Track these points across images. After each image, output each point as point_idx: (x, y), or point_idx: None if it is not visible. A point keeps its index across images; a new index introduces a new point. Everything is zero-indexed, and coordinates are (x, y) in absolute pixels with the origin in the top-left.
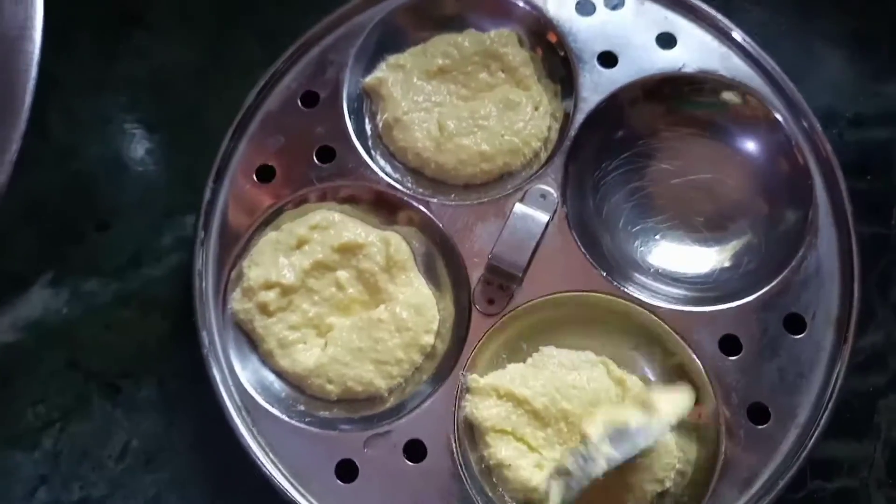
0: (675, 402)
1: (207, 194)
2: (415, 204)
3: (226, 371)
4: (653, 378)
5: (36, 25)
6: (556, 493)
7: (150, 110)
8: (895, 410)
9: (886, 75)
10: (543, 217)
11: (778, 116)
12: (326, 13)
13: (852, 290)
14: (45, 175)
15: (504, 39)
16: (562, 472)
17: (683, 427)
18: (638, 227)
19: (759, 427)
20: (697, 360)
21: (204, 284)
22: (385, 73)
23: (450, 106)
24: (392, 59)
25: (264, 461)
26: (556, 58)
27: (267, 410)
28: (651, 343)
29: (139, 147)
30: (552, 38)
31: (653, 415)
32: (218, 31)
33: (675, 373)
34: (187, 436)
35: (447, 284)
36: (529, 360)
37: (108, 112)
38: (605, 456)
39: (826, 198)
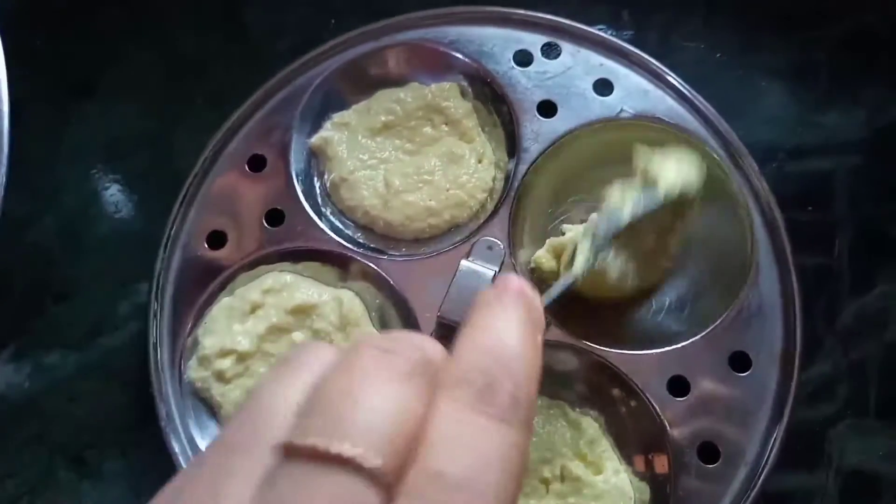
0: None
1: (159, 264)
2: (365, 261)
3: (185, 442)
4: (605, 417)
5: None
6: (582, 254)
7: (103, 180)
8: (845, 439)
9: (825, 106)
10: (489, 273)
11: (714, 156)
12: (270, 75)
13: (795, 325)
14: (1, 249)
15: (445, 93)
16: (587, 234)
17: (637, 469)
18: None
19: (710, 466)
20: (647, 402)
21: (160, 355)
22: (330, 133)
23: (395, 162)
24: (336, 117)
25: None
26: (498, 107)
27: None
28: (603, 384)
29: (94, 216)
30: (493, 88)
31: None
32: (168, 97)
33: (630, 412)
34: None
35: None
36: None
37: (61, 183)
38: (629, 209)
39: (765, 235)
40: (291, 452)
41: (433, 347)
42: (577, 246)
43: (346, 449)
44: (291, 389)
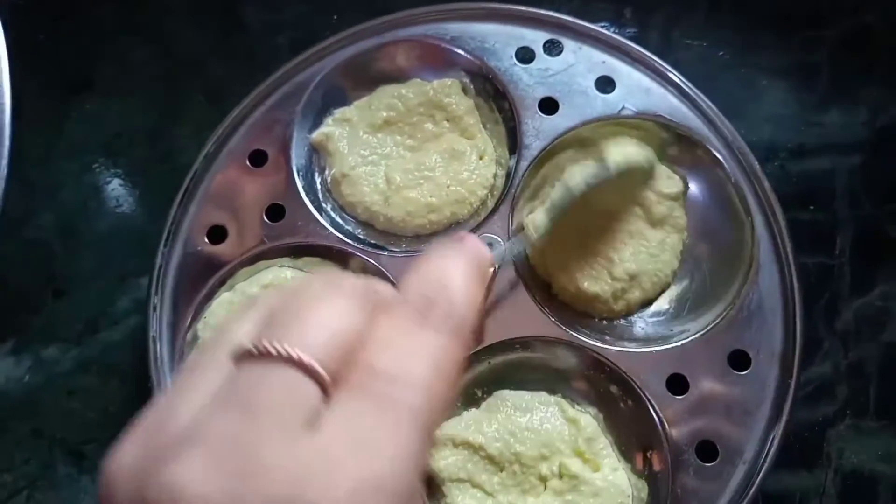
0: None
1: (159, 259)
2: (365, 257)
3: None
4: (603, 415)
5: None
6: (540, 219)
7: (103, 175)
8: (844, 439)
9: (827, 105)
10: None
11: (716, 155)
12: (270, 71)
13: (795, 324)
14: (1, 243)
15: (447, 89)
16: (548, 202)
17: (635, 467)
18: None
19: (708, 464)
20: (646, 400)
21: (159, 349)
22: (331, 128)
23: (396, 158)
24: (338, 113)
25: None
26: (499, 104)
27: None
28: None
29: (94, 211)
30: (494, 85)
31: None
32: (167, 93)
33: (628, 410)
34: None
35: None
36: (484, 405)
37: (61, 179)
38: (583, 179)
39: (766, 234)
40: (245, 356)
41: (385, 286)
42: (535, 212)
43: (291, 349)
44: (251, 317)
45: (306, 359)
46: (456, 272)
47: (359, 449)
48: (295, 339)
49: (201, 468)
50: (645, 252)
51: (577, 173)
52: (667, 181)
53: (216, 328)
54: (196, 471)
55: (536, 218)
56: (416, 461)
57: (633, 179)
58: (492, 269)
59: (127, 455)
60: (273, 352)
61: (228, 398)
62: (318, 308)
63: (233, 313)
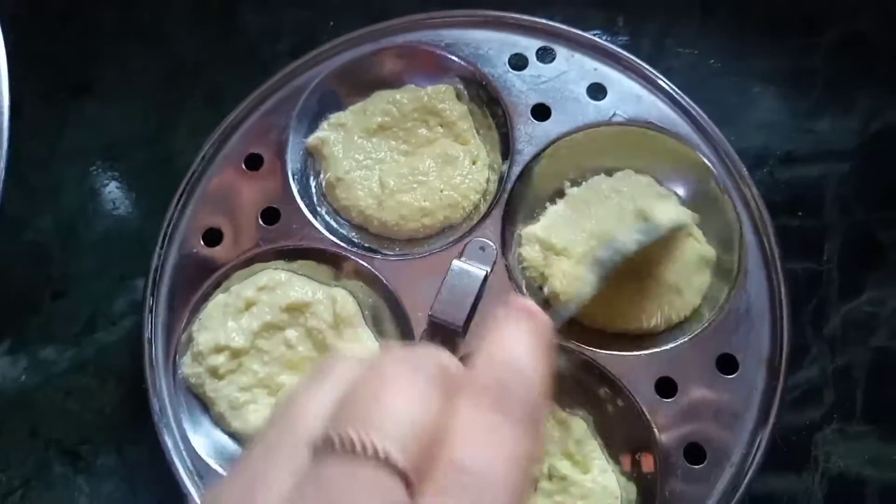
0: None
1: (155, 260)
2: (359, 260)
3: (178, 437)
4: (593, 417)
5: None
6: (588, 279)
7: (101, 178)
8: (832, 443)
9: (818, 112)
10: (480, 273)
11: (705, 161)
12: (268, 76)
13: (782, 329)
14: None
15: (441, 95)
16: (595, 261)
17: (624, 469)
18: None
19: (696, 467)
20: (635, 402)
21: (154, 351)
22: (326, 133)
23: (390, 163)
24: (333, 118)
25: None
26: (493, 109)
27: (220, 475)
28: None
29: (92, 214)
30: (488, 91)
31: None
32: (166, 97)
33: (618, 413)
34: (148, 502)
35: (395, 336)
36: None
37: (60, 181)
38: (634, 239)
39: (754, 240)
40: (328, 444)
41: (449, 358)
42: (584, 272)
43: (378, 444)
44: (323, 393)
45: (393, 455)
46: (523, 349)
47: None
48: (378, 431)
49: None
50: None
51: (626, 233)
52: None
53: (280, 400)
54: None
55: (585, 278)
56: None
57: (675, 238)
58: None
59: None
60: (359, 446)
61: (313, 496)
62: (396, 394)
63: (303, 381)
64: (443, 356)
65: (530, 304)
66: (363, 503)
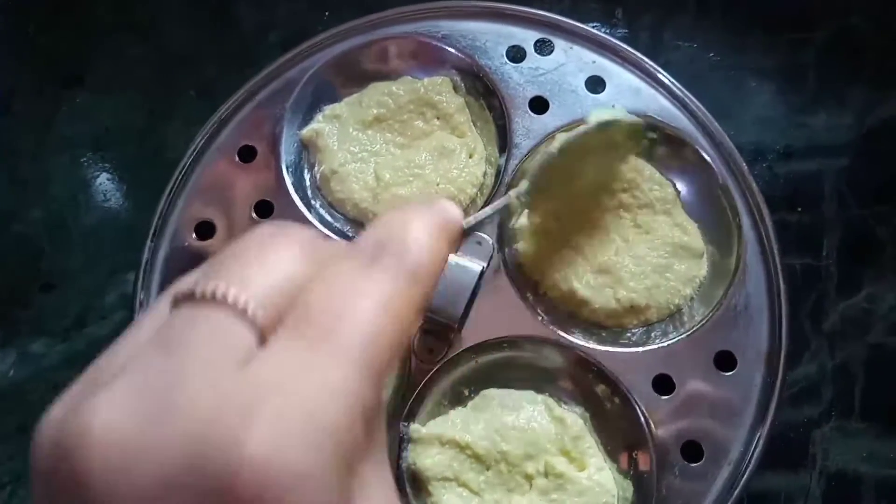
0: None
1: (146, 254)
2: None
3: None
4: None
5: None
6: (522, 183)
7: (92, 170)
8: (830, 440)
9: (814, 107)
10: (476, 268)
11: (704, 156)
12: (261, 68)
13: (781, 326)
14: None
15: (438, 87)
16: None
17: (621, 466)
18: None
19: (693, 465)
20: (632, 400)
21: None
22: (321, 125)
23: (386, 155)
24: (328, 109)
25: None
26: (490, 102)
27: None
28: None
29: (82, 206)
30: (485, 83)
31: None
32: (159, 88)
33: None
34: None
35: None
36: (471, 404)
37: (50, 173)
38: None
39: (753, 235)
40: (181, 298)
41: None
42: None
43: (227, 291)
44: (198, 269)
45: (242, 301)
46: (417, 223)
47: (286, 383)
48: (233, 282)
49: (118, 407)
50: (653, 278)
51: (557, 137)
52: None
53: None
54: (112, 409)
55: (520, 183)
56: (358, 400)
57: (617, 145)
58: (460, 229)
59: (58, 405)
60: (209, 294)
61: (160, 339)
62: (262, 253)
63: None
64: (332, 238)
65: (444, 199)
66: (205, 341)
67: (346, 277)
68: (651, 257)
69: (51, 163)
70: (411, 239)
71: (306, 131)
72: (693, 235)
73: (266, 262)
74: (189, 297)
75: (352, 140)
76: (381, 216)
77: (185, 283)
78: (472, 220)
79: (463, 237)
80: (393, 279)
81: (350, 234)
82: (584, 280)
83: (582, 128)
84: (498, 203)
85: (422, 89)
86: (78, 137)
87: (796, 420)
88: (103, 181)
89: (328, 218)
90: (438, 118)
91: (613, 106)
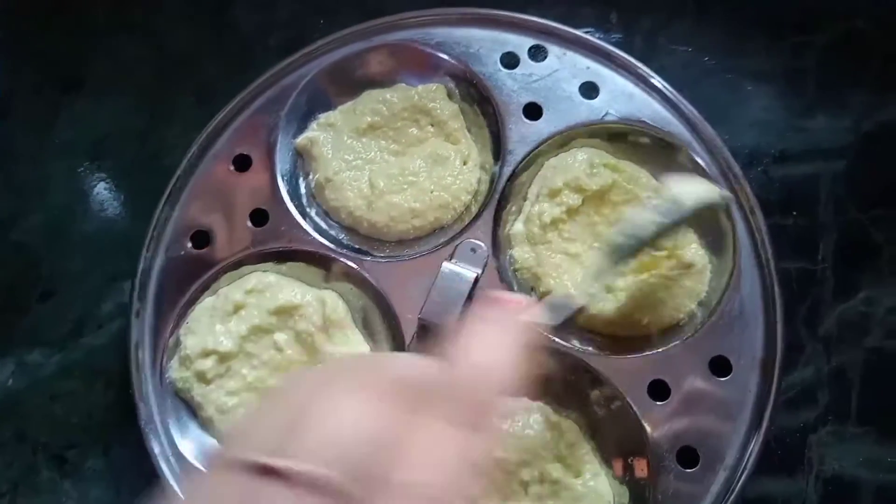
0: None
1: (142, 263)
2: (348, 262)
3: (165, 443)
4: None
5: None
6: (604, 266)
7: (90, 177)
8: (826, 445)
9: (812, 111)
10: (471, 275)
11: (698, 161)
12: (260, 73)
13: (776, 330)
14: None
15: (432, 94)
16: (612, 247)
17: (616, 472)
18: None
19: (689, 470)
20: (627, 406)
21: (141, 355)
22: (316, 133)
23: (380, 163)
24: (322, 117)
25: None
26: (484, 108)
27: None
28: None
29: (80, 214)
30: (479, 90)
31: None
32: (157, 93)
33: (610, 416)
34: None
35: (385, 338)
36: None
37: (49, 180)
38: (655, 222)
39: (748, 240)
40: (254, 471)
41: (427, 364)
42: (589, 269)
43: (299, 466)
44: (266, 420)
45: (323, 475)
46: (502, 356)
47: None
48: (307, 452)
49: None
50: (657, 290)
51: (643, 217)
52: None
53: (231, 429)
54: None
55: (597, 267)
56: None
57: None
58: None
59: None
60: (281, 469)
61: None
62: (340, 413)
63: (250, 411)
64: (422, 365)
65: (521, 301)
66: None
67: (438, 442)
68: (658, 272)
69: (50, 169)
70: (496, 384)
71: (301, 140)
72: (698, 248)
73: (344, 423)
74: (260, 471)
75: (346, 148)
76: (472, 339)
77: (253, 445)
78: (551, 318)
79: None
80: (481, 436)
81: (344, 241)
82: (581, 288)
83: (671, 209)
84: (571, 304)
85: (416, 97)
86: (77, 142)
87: (792, 424)
88: (101, 188)
89: (323, 226)
90: (433, 125)
91: (607, 113)
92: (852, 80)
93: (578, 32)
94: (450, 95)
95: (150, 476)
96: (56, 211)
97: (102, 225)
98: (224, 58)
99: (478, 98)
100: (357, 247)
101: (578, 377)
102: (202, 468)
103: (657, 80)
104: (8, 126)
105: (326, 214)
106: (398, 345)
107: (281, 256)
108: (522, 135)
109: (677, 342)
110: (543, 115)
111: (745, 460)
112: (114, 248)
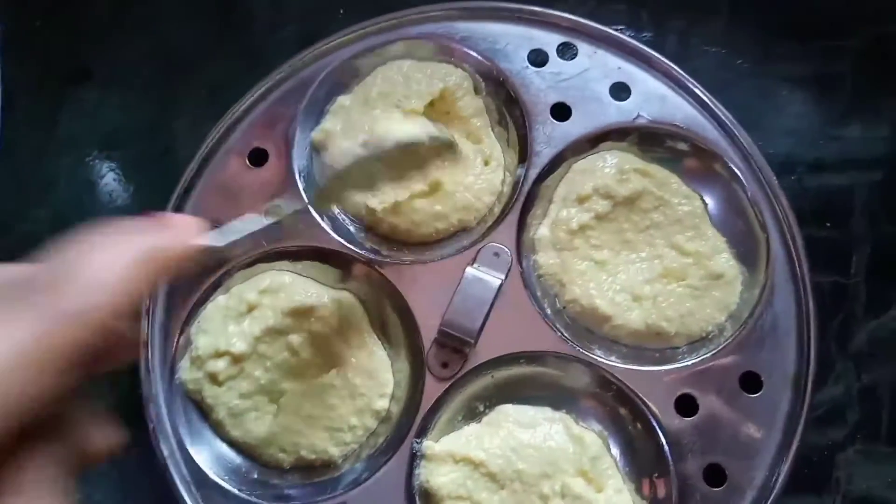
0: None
1: None
2: (367, 264)
3: (174, 445)
4: (609, 434)
5: None
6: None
7: (98, 170)
8: (854, 464)
9: (847, 119)
10: (495, 282)
11: (733, 167)
12: (274, 66)
13: (809, 347)
14: None
15: (460, 80)
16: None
17: (640, 489)
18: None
19: (716, 489)
20: (653, 420)
21: (150, 355)
22: (329, 123)
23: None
24: (335, 103)
25: None
26: (510, 107)
27: (217, 485)
28: (608, 400)
29: (87, 207)
30: (506, 88)
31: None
32: (167, 86)
33: (635, 430)
34: None
35: (403, 344)
36: (485, 420)
37: (55, 173)
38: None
39: (782, 252)
40: None
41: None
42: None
43: None
44: None
45: None
46: (103, 256)
47: None
48: None
49: None
50: (685, 300)
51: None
52: None
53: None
54: None
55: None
56: None
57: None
58: (186, 254)
59: None
60: None
61: None
62: None
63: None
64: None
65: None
66: None
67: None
68: (687, 282)
69: (56, 162)
70: (86, 276)
71: (316, 133)
72: (729, 258)
73: None
74: None
75: (357, 132)
76: (70, 245)
77: None
78: (216, 239)
79: (206, 257)
80: (35, 322)
81: (364, 242)
82: (607, 296)
83: (372, 146)
84: (248, 219)
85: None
86: (84, 136)
87: (820, 443)
88: (109, 181)
89: (341, 224)
90: (448, 112)
91: (638, 115)
92: (890, 87)
93: (609, 30)
94: (476, 90)
95: (156, 480)
96: (64, 204)
97: (111, 218)
98: (236, 52)
99: (504, 96)
100: (376, 248)
101: (603, 390)
102: (212, 474)
103: (692, 83)
104: (13, 119)
105: (345, 213)
106: (416, 350)
107: (297, 255)
108: (549, 136)
109: (707, 355)
110: (572, 116)
111: (774, 481)
112: None
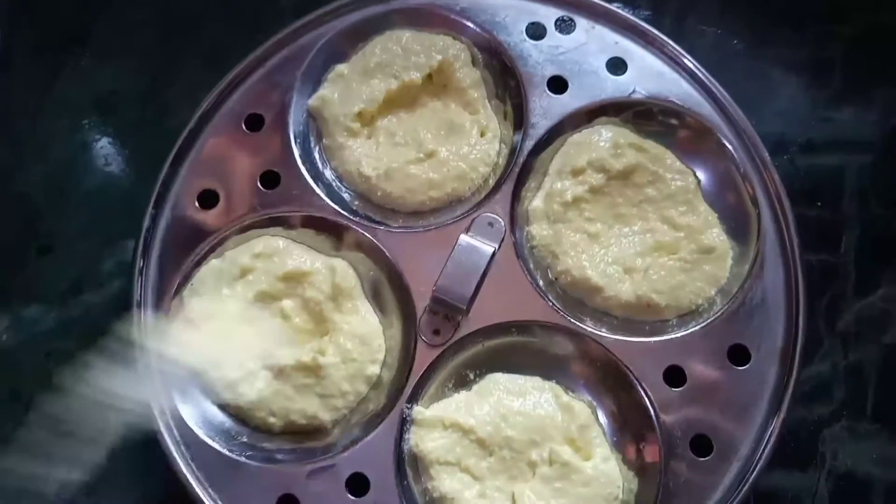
0: None
1: (147, 221)
2: (361, 231)
3: (165, 406)
4: (597, 403)
5: None
6: None
7: (93, 133)
8: (839, 441)
9: (839, 101)
10: (488, 249)
11: (726, 144)
12: (271, 34)
13: (797, 322)
14: None
15: (456, 55)
16: None
17: (627, 457)
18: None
19: (702, 459)
20: (641, 390)
21: (143, 315)
22: (326, 91)
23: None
24: (333, 71)
25: (204, 497)
26: (506, 79)
27: (207, 445)
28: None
29: (81, 170)
30: (503, 60)
31: None
32: (163, 52)
33: (623, 400)
34: (131, 468)
35: (395, 311)
36: (476, 388)
37: (50, 134)
38: None
39: (773, 228)
40: None
41: None
42: None
43: None
44: None
45: None
46: None
47: None
48: None
49: None
50: (676, 274)
51: None
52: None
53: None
54: None
55: None
56: None
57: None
58: None
59: None
60: None
61: None
62: None
63: None
64: None
65: None
66: None
67: None
68: (678, 255)
69: (51, 124)
70: None
71: (313, 100)
72: (720, 233)
73: None
74: None
75: (355, 101)
76: None
77: None
78: None
79: None
80: None
81: (358, 209)
82: (599, 268)
83: None
84: None
85: (435, 52)
86: (79, 99)
87: (806, 419)
88: (104, 144)
89: (336, 191)
90: (446, 84)
91: (634, 90)
92: (879, 74)
93: (608, 5)
94: (474, 62)
95: (147, 440)
96: (57, 165)
97: (105, 181)
98: (233, 19)
99: (500, 68)
100: (370, 215)
101: (592, 360)
102: (202, 434)
103: (689, 60)
104: (7, 80)
105: (340, 180)
106: (408, 317)
107: (291, 221)
108: (546, 108)
109: (696, 328)
110: (568, 90)
111: (760, 452)
112: (115, 206)
